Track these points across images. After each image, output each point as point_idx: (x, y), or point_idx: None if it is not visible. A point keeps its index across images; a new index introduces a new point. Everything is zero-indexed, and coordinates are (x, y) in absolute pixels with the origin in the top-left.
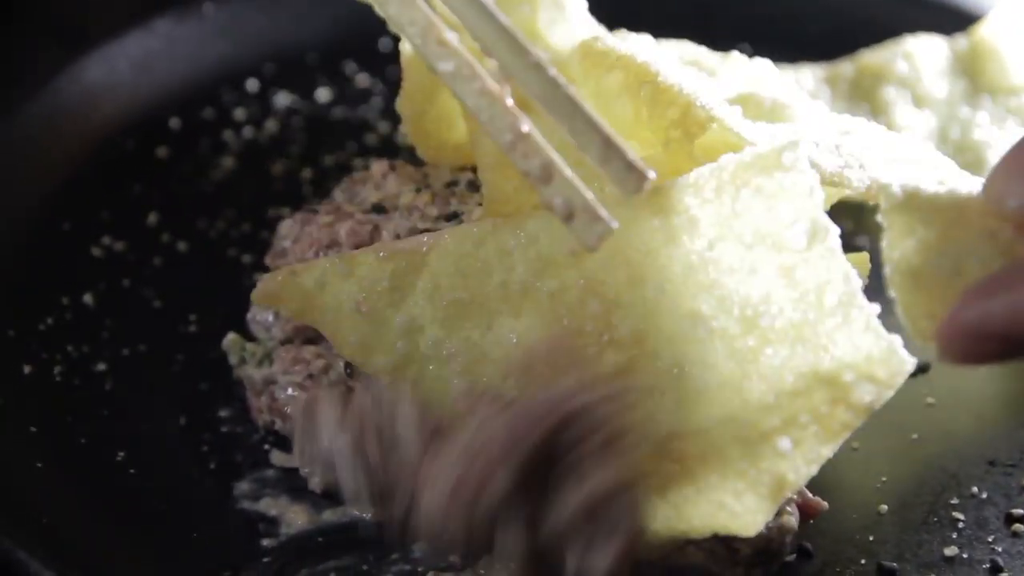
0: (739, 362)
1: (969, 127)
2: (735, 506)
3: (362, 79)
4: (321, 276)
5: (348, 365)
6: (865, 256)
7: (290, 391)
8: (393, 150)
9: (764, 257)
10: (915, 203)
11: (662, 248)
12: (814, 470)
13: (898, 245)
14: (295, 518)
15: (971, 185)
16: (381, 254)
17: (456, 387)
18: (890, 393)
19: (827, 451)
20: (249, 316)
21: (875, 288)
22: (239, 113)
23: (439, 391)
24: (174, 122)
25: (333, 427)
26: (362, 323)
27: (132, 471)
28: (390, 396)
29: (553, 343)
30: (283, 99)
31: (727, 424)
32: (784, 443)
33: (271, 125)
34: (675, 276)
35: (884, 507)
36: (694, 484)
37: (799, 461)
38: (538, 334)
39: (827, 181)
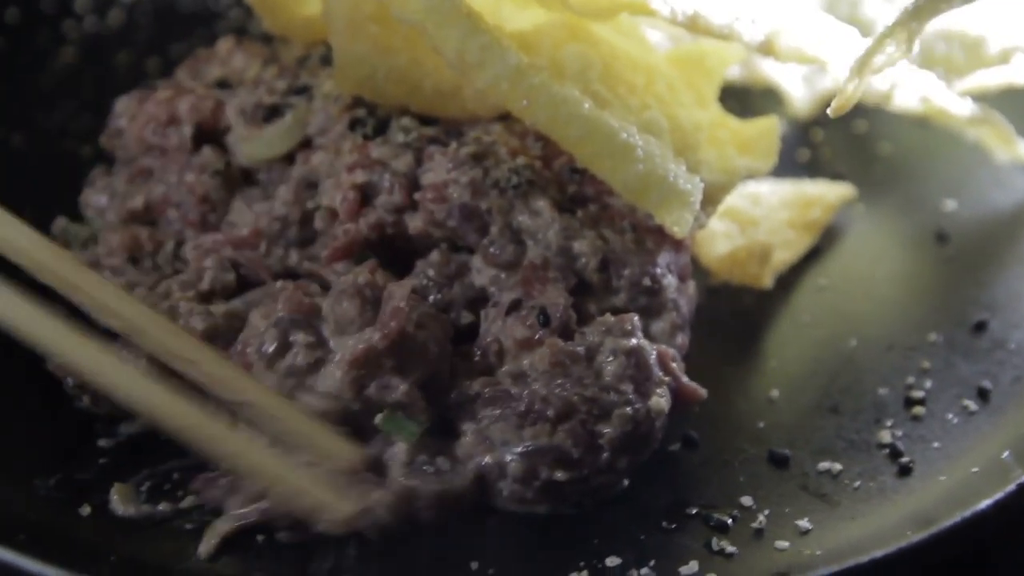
0: None
1: (857, 3)
2: None
3: None
4: None
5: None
6: None
7: (107, 275)
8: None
9: None
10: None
11: None
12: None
13: None
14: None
15: None
16: None
17: None
18: None
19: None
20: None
21: None
22: (81, 3)
23: None
24: (11, 14)
25: None
26: None
27: None
28: None
29: None
30: None
31: None
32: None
33: (115, 15)
34: None
35: (775, 392)
36: None
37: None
38: None
39: (717, 34)
